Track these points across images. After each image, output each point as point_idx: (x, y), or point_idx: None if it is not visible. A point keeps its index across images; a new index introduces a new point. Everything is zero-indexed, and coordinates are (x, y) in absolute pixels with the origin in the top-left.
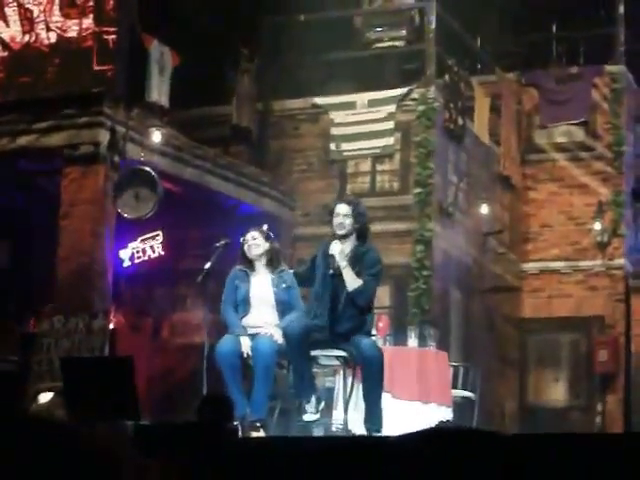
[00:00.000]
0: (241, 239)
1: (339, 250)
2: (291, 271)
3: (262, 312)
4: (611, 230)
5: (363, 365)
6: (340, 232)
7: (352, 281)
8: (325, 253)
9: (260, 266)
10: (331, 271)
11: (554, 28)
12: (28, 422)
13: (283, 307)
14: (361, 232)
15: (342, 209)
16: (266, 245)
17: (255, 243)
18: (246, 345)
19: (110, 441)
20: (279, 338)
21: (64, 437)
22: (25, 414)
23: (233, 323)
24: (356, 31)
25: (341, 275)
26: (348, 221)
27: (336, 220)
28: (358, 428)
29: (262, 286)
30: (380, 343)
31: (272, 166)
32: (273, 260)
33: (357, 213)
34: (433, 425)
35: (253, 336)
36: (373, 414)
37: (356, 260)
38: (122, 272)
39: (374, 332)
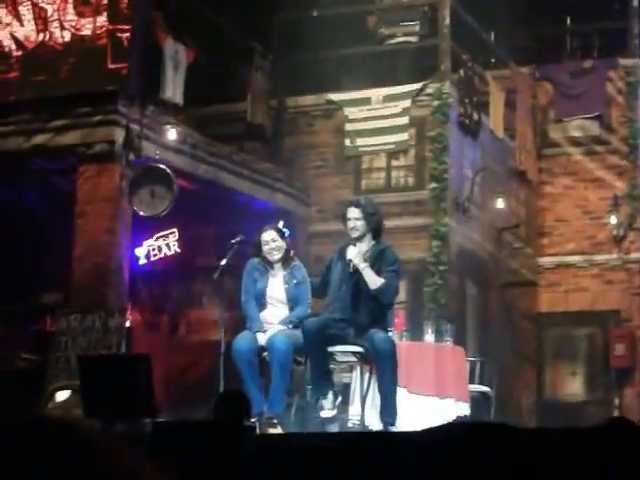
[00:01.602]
0: (256, 238)
1: (355, 253)
2: (303, 267)
3: (275, 309)
4: (627, 224)
5: (376, 359)
6: (354, 235)
7: (374, 281)
8: (342, 256)
9: (277, 265)
10: (351, 269)
11: (568, 22)
12: (35, 422)
13: (293, 303)
14: (376, 231)
15: (352, 213)
16: (284, 245)
17: (276, 245)
18: (262, 338)
19: (119, 442)
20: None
21: (71, 438)
22: (34, 414)
23: (253, 317)
24: (370, 27)
25: (362, 276)
26: (360, 223)
27: (349, 224)
28: (375, 424)
29: (276, 284)
30: (396, 338)
31: (287, 162)
32: (287, 257)
33: (367, 214)
34: (450, 420)
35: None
36: (387, 408)
37: (375, 259)
38: (138, 270)
39: (390, 327)
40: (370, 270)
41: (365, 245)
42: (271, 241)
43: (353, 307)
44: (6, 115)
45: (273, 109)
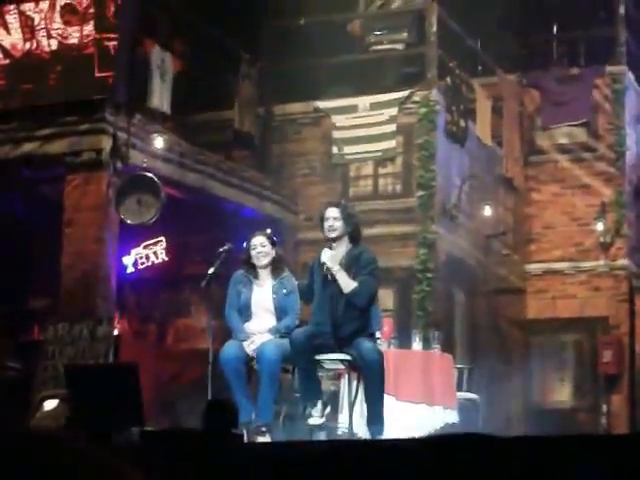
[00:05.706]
0: (246, 243)
1: (329, 256)
2: (293, 278)
3: (262, 319)
4: (614, 230)
5: (363, 369)
6: (331, 235)
7: (347, 284)
8: (319, 261)
9: (264, 273)
10: (328, 277)
11: (555, 29)
12: (26, 436)
13: (281, 313)
14: (353, 235)
15: (331, 212)
16: (273, 252)
17: (264, 251)
18: (249, 347)
19: (109, 455)
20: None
21: (56, 453)
22: (24, 427)
23: (237, 328)
24: (357, 34)
25: (336, 280)
26: (338, 224)
27: (326, 224)
28: (363, 431)
29: (263, 293)
30: (384, 346)
31: (274, 170)
32: (277, 267)
33: (347, 215)
34: (439, 428)
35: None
36: (374, 417)
37: (351, 263)
38: (126, 278)
39: (378, 335)
40: (343, 273)
41: (342, 250)
42: (259, 245)
43: (335, 317)
44: None
45: (261, 117)
